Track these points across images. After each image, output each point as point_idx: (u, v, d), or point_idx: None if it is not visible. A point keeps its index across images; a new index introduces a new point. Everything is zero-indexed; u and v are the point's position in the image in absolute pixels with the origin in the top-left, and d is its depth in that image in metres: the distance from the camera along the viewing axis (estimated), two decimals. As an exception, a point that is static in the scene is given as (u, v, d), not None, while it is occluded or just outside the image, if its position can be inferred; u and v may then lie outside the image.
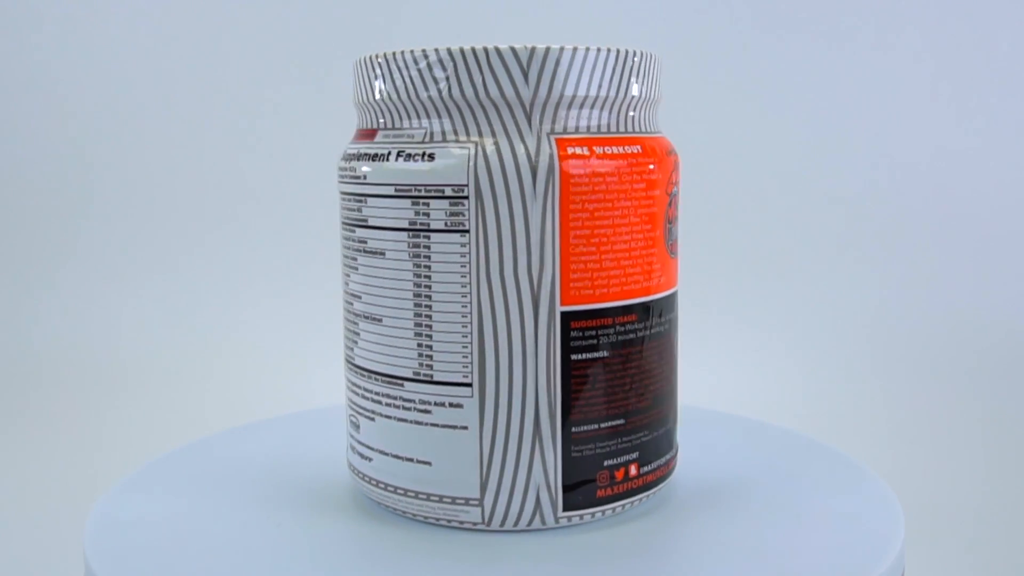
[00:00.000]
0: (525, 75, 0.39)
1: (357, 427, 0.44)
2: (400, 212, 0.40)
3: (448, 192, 0.39)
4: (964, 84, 1.21)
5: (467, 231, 0.39)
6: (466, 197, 0.39)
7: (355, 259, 0.43)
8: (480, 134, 0.39)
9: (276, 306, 1.20)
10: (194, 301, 1.21)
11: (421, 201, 0.40)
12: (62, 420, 1.04)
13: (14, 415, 1.06)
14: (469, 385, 0.40)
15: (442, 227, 0.40)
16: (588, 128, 0.40)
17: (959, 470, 0.92)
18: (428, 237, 0.40)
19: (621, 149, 0.40)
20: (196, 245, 1.24)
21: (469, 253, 0.39)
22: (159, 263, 1.23)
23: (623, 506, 0.42)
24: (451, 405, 0.40)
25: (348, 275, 0.44)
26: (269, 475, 0.48)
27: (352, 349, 0.44)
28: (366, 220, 0.41)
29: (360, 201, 0.42)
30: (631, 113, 0.42)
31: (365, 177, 0.41)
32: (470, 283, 0.40)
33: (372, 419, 0.43)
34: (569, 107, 0.40)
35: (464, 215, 0.39)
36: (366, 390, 0.43)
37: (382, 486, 0.42)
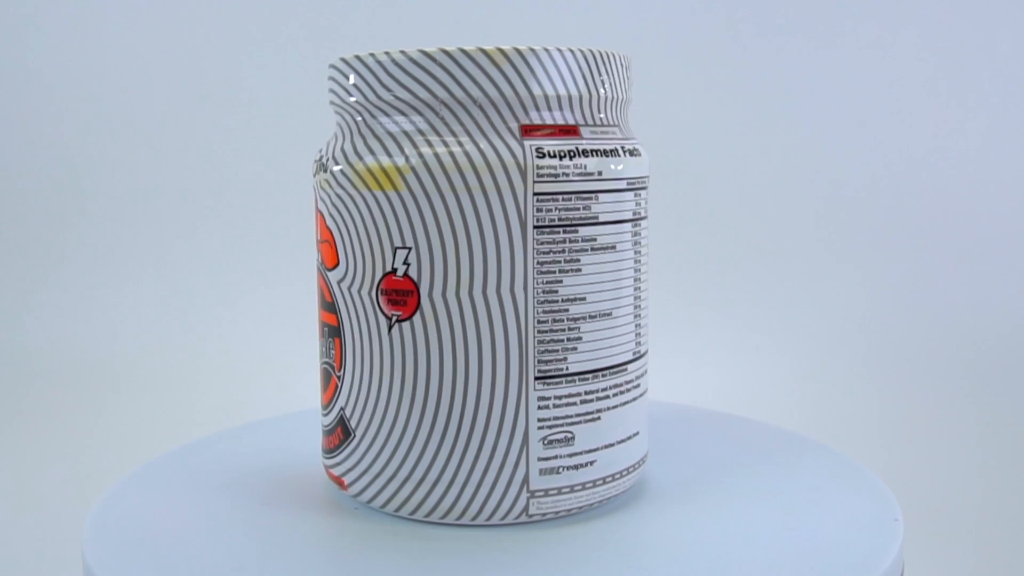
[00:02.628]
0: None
1: (570, 440, 0.41)
2: (626, 204, 0.42)
3: (647, 183, 0.45)
4: (963, 83, 1.17)
5: (646, 216, 0.46)
6: (646, 187, 0.45)
7: (577, 260, 0.41)
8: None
9: (276, 305, 1.13)
10: (191, 301, 1.17)
11: (639, 192, 0.43)
12: (60, 420, 1.00)
13: (12, 415, 1.02)
14: (646, 351, 0.46)
15: (644, 214, 0.45)
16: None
17: (958, 470, 0.91)
18: (639, 225, 0.44)
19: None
20: (194, 245, 1.19)
21: (648, 233, 0.45)
22: (156, 263, 1.19)
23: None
24: (645, 372, 0.46)
25: (559, 282, 0.40)
26: (269, 475, 0.48)
27: (565, 359, 0.41)
28: (596, 217, 0.41)
29: (589, 198, 0.41)
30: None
31: (600, 173, 0.41)
32: (646, 257, 0.46)
33: (598, 419, 0.42)
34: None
35: (646, 202, 0.45)
36: (588, 392, 0.42)
37: (601, 481, 0.42)
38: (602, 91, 0.42)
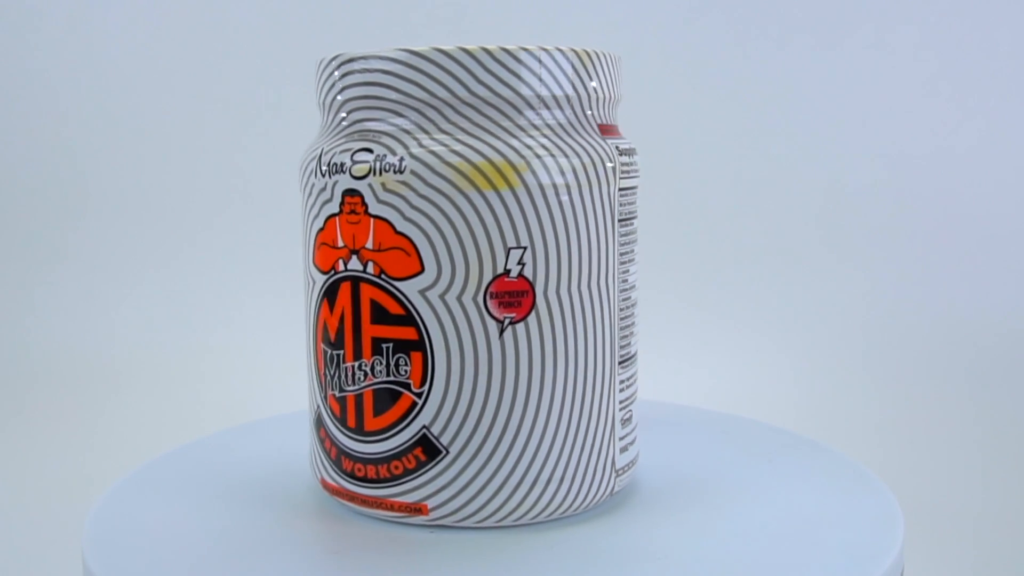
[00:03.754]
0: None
1: (631, 419, 0.44)
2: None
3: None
4: (963, 81, 1.12)
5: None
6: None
7: (633, 251, 0.44)
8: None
9: (277, 305, 1.11)
10: (192, 301, 1.16)
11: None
12: (60, 420, 1.00)
13: (12, 416, 1.02)
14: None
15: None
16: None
17: (959, 470, 0.90)
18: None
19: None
20: (195, 245, 1.18)
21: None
22: (156, 263, 1.18)
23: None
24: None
25: (627, 271, 0.43)
26: (269, 475, 0.48)
27: (630, 343, 0.44)
28: (636, 210, 0.45)
29: (634, 193, 0.44)
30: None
31: (637, 170, 0.44)
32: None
33: (637, 398, 0.45)
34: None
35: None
36: (635, 374, 0.45)
37: (638, 457, 0.46)
38: (617, 92, 0.45)
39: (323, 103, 0.43)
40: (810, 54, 1.15)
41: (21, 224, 1.23)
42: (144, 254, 1.22)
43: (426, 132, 0.39)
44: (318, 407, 0.44)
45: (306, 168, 0.42)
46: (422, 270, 0.39)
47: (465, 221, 0.39)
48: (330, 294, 0.42)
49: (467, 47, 0.39)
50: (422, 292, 0.39)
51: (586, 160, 0.40)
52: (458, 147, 0.39)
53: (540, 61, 0.40)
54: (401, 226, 0.39)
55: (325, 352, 0.42)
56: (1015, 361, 1.04)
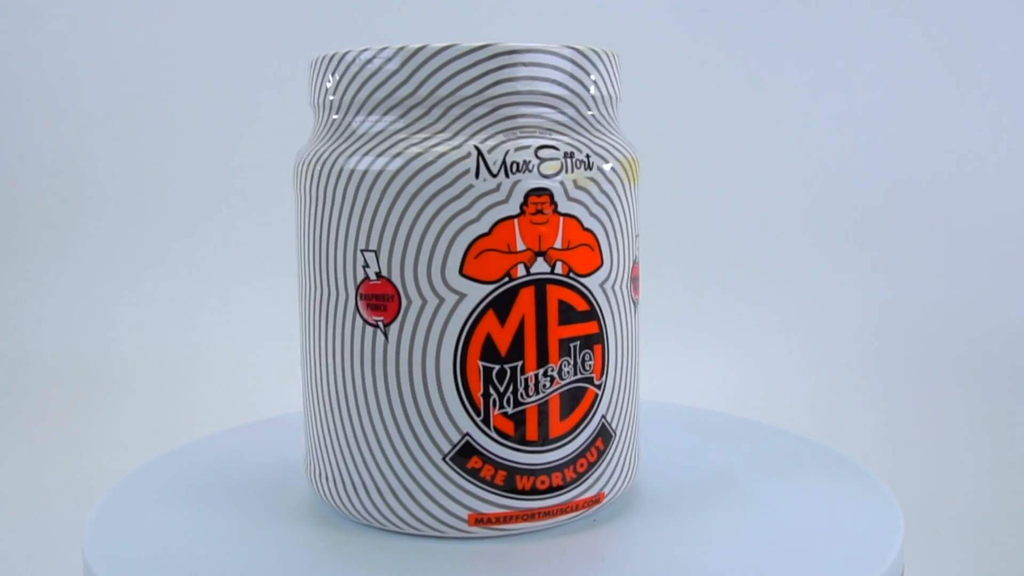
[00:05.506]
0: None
1: None
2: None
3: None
4: (973, 83, 1.10)
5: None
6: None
7: None
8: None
9: (277, 305, 1.04)
10: (191, 301, 1.15)
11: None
12: (60, 420, 1.01)
13: (11, 416, 1.02)
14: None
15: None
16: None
17: (960, 470, 0.87)
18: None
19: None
20: (194, 244, 1.17)
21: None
22: (156, 263, 1.17)
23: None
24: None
25: None
26: (270, 474, 0.48)
27: None
28: None
29: None
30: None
31: None
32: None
33: None
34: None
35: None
36: None
37: None
38: None
39: (430, 97, 0.38)
40: (811, 54, 1.13)
41: (19, 224, 1.20)
42: (143, 254, 1.20)
43: (572, 129, 0.40)
44: (463, 437, 0.39)
45: (433, 173, 0.37)
46: (601, 264, 0.40)
47: (622, 213, 0.41)
48: (501, 304, 0.38)
49: (601, 49, 0.41)
50: (601, 285, 0.40)
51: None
52: (609, 143, 0.41)
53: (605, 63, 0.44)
54: (588, 222, 0.40)
55: (487, 370, 0.38)
56: (1017, 361, 1.03)
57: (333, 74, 0.40)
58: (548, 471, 0.40)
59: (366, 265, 0.39)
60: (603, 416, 0.41)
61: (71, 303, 1.17)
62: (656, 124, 1.06)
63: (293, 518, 0.43)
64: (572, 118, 0.40)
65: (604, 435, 0.41)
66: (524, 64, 0.39)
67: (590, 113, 0.41)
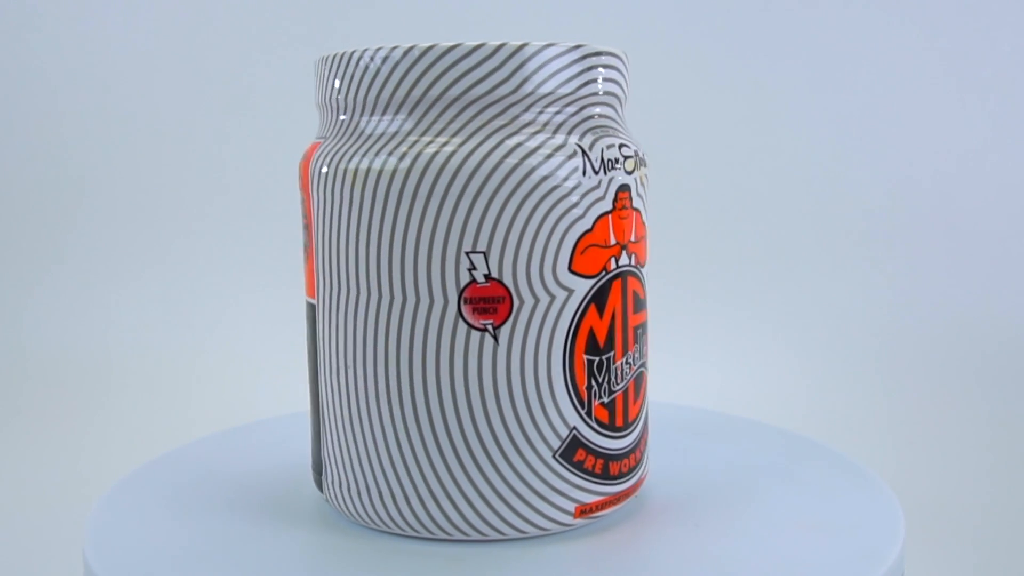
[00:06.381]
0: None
1: None
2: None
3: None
4: (972, 83, 1.08)
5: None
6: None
7: None
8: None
9: (277, 305, 1.06)
10: (190, 301, 1.13)
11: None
12: (59, 421, 0.99)
13: (11, 415, 1.01)
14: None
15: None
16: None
17: (960, 470, 0.86)
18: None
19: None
20: (193, 244, 1.14)
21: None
22: (154, 262, 1.14)
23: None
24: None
25: None
26: (270, 474, 0.48)
27: None
28: None
29: None
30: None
31: None
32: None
33: None
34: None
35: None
36: None
37: None
38: None
39: (457, 94, 0.38)
40: (814, 53, 1.10)
41: (17, 224, 1.18)
42: (142, 254, 1.16)
43: (620, 128, 0.42)
44: (571, 432, 0.39)
45: (546, 172, 0.38)
46: (647, 254, 0.43)
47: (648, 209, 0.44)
48: (600, 297, 0.39)
49: (613, 49, 0.44)
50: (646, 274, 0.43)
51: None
52: (622, 140, 0.44)
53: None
54: (645, 216, 0.42)
55: (590, 363, 0.39)
56: (1018, 361, 1.01)
57: (517, 63, 0.38)
58: (627, 454, 0.42)
59: (472, 267, 0.38)
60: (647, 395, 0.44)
61: (70, 303, 1.16)
62: (656, 124, 1.03)
63: (296, 520, 0.43)
64: (614, 119, 0.42)
65: (645, 423, 0.44)
66: (603, 67, 0.40)
67: (623, 112, 0.43)
